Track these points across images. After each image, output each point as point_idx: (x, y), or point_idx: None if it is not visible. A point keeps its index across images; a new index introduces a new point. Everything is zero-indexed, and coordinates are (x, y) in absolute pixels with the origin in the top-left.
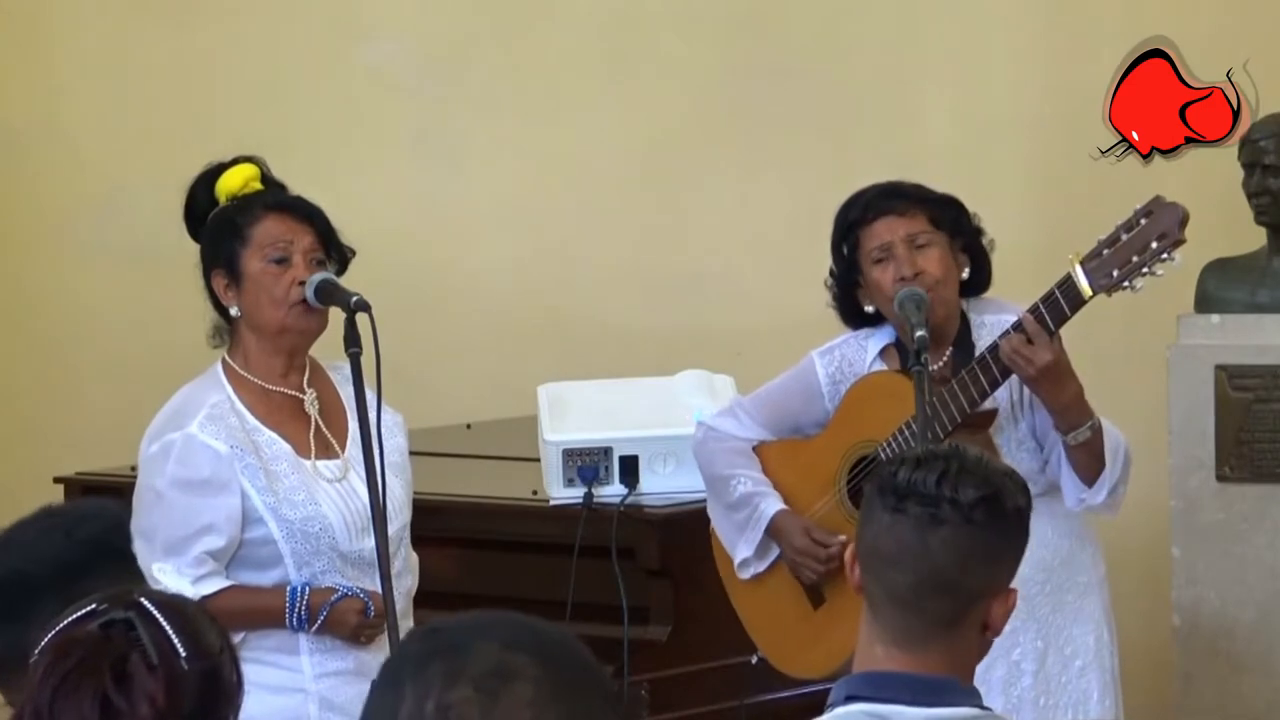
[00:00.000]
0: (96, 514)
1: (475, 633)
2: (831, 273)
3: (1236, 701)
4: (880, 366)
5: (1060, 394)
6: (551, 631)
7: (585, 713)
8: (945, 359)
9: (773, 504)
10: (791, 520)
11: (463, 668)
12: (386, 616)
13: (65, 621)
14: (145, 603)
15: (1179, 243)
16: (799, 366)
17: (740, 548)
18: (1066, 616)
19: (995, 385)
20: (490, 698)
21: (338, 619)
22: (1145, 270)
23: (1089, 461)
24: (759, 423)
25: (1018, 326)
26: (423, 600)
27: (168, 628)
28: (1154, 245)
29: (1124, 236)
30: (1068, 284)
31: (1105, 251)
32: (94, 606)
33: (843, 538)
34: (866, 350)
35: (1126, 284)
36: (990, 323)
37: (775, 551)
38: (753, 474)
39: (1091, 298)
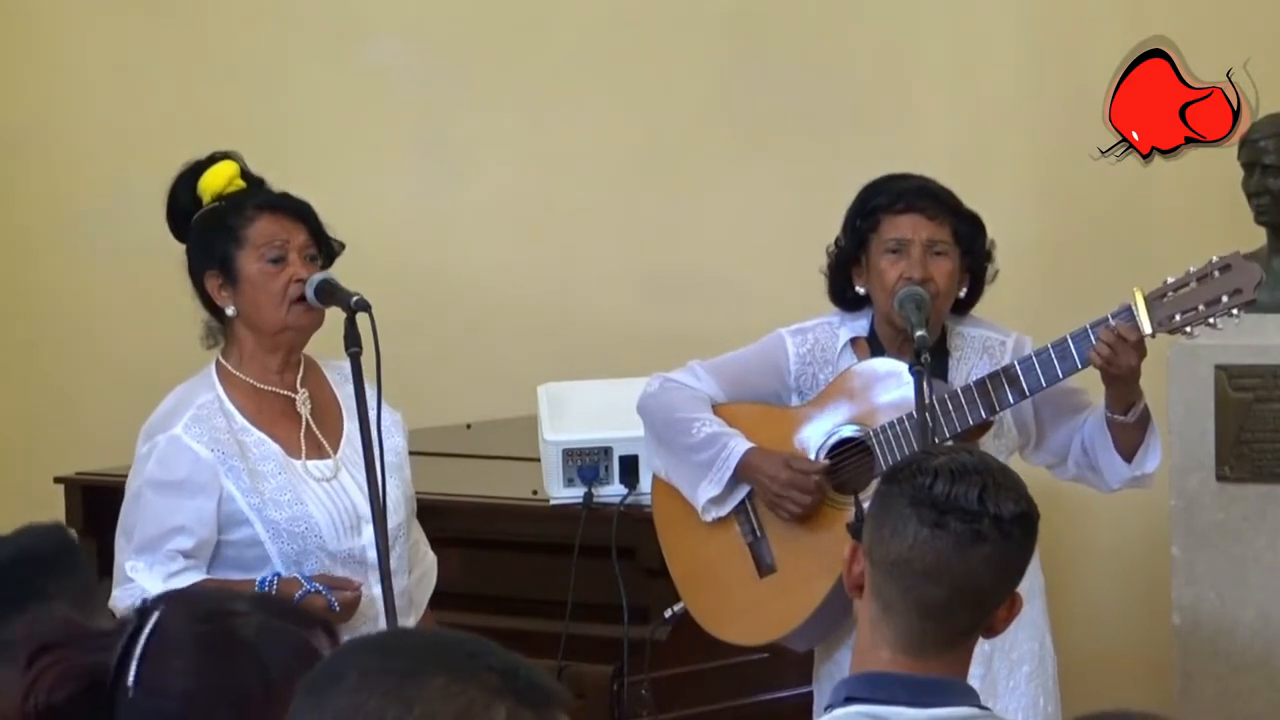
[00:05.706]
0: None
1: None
2: (837, 242)
3: (1236, 701)
4: (849, 356)
5: (1132, 388)
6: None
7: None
8: None
9: (742, 442)
10: (765, 456)
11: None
12: (387, 616)
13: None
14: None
15: (1250, 302)
16: (764, 342)
17: (704, 488)
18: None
19: (1006, 404)
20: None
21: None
22: (1210, 321)
23: (1136, 434)
24: (718, 385)
25: (1116, 315)
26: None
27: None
28: (1225, 299)
29: (1194, 284)
30: (1125, 314)
31: (1171, 294)
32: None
33: (824, 462)
34: (838, 338)
35: (1188, 329)
36: (969, 334)
37: (741, 493)
38: (717, 419)
39: (1150, 336)
